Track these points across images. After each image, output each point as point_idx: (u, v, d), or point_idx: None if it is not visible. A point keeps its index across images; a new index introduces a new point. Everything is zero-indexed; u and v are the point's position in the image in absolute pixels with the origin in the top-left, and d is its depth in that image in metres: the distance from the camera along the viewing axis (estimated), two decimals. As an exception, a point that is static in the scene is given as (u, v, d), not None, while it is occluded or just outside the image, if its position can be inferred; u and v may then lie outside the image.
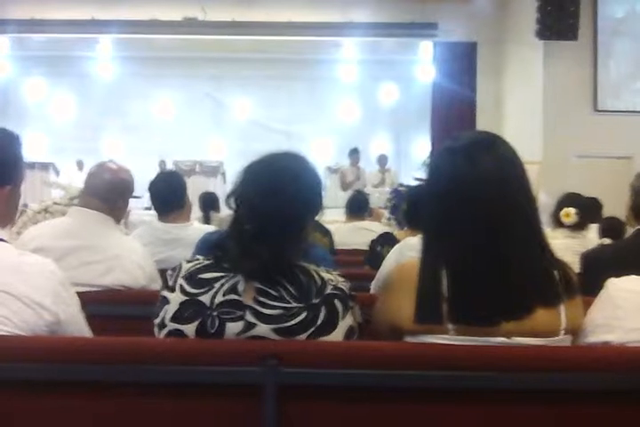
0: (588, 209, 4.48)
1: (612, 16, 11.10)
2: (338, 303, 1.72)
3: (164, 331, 1.71)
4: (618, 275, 1.78)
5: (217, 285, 1.69)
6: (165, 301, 1.73)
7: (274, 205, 1.72)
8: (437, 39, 12.79)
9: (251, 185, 1.79)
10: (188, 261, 1.78)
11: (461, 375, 1.59)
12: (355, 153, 11.90)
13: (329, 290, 1.72)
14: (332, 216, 7.00)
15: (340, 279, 1.77)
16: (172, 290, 1.73)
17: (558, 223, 4.29)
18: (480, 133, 1.85)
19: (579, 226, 4.32)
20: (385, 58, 13.89)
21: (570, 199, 4.41)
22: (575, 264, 2.18)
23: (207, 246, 1.81)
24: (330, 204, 9.78)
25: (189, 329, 1.68)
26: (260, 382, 1.58)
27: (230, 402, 1.61)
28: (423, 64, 13.78)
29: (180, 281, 1.72)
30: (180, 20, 12.41)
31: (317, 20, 12.33)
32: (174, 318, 1.70)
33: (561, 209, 4.29)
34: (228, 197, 1.81)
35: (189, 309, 1.69)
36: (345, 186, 11.61)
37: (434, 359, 1.61)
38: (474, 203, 1.67)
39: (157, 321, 1.73)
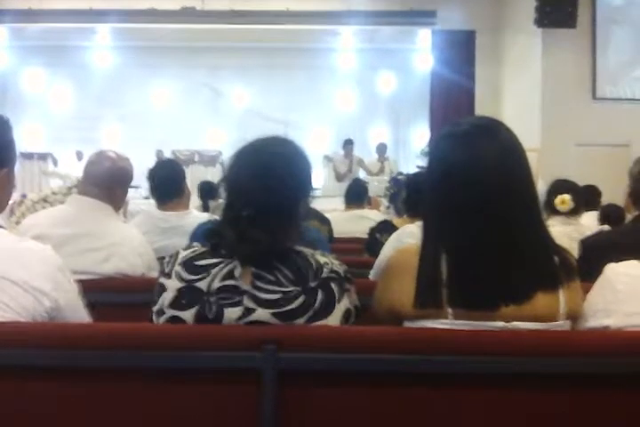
0: (581, 194, 4.43)
1: (611, 4, 11.07)
2: (334, 286, 1.72)
3: (163, 318, 1.72)
4: (617, 261, 1.78)
5: (213, 271, 1.70)
6: (163, 288, 1.73)
7: (265, 189, 1.72)
8: (436, 27, 12.70)
9: (241, 170, 1.79)
10: (185, 249, 1.78)
11: (461, 360, 1.60)
12: (348, 144, 11.75)
13: (325, 273, 1.72)
14: (331, 205, 6.99)
15: (336, 262, 1.77)
16: (169, 277, 1.73)
17: (553, 211, 4.20)
18: (481, 119, 1.84)
19: (574, 212, 4.25)
20: (383, 46, 13.81)
21: (562, 186, 4.33)
22: (573, 250, 2.18)
23: (202, 234, 1.81)
24: (328, 193, 9.79)
25: (188, 315, 1.69)
26: (258, 367, 1.58)
27: (229, 387, 1.62)
28: (421, 52, 13.72)
29: (177, 268, 1.73)
30: (178, 10, 12.34)
31: (315, 8, 12.27)
32: (172, 305, 1.70)
33: (555, 196, 4.21)
34: (220, 182, 1.82)
35: (187, 295, 1.69)
36: (339, 177, 11.53)
37: (433, 344, 1.61)
38: (474, 188, 1.67)
39: (156, 308, 1.74)
